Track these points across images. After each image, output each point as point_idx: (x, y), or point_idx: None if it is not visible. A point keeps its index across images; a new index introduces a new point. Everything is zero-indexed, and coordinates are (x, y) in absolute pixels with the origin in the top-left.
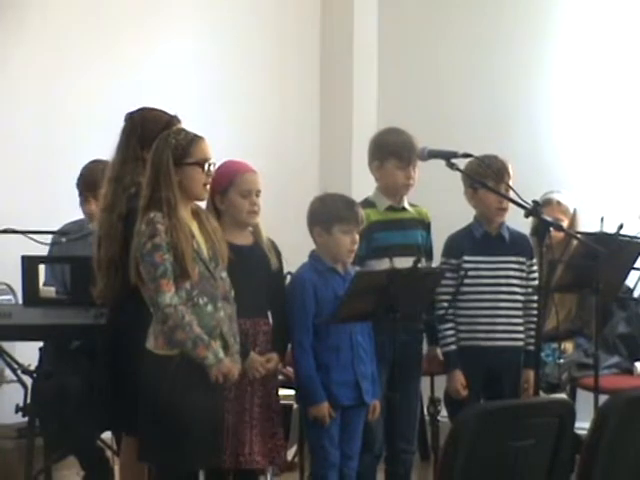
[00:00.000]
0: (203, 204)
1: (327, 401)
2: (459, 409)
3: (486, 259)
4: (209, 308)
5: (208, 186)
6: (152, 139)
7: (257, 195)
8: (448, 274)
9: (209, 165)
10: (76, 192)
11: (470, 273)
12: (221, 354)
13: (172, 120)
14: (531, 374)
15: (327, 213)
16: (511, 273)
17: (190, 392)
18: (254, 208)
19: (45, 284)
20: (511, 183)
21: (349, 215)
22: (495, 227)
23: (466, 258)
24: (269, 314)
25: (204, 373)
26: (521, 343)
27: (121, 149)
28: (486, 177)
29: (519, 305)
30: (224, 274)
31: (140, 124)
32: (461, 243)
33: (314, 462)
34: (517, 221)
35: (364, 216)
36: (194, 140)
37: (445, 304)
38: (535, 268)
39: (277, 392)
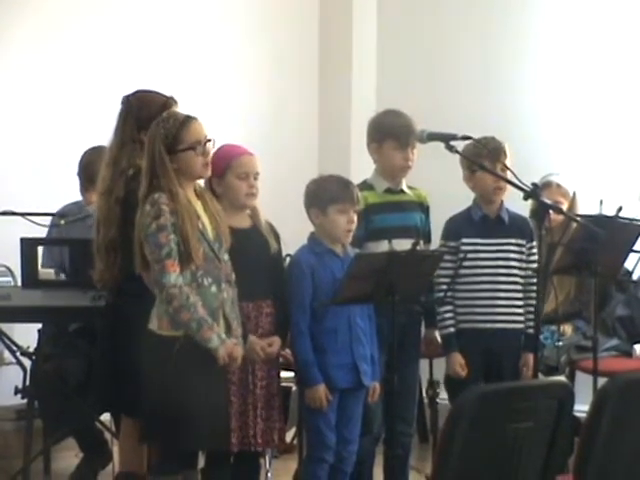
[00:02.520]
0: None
1: (324, 384)
2: (459, 392)
3: (485, 241)
4: (213, 289)
5: (209, 164)
6: (149, 121)
7: (255, 178)
8: (447, 256)
9: (205, 144)
10: (74, 174)
11: (469, 255)
12: (224, 335)
13: (168, 101)
14: (530, 357)
15: (322, 194)
16: (510, 255)
17: (192, 373)
18: (252, 190)
19: (43, 266)
20: (510, 165)
21: (344, 195)
22: (494, 209)
23: (465, 240)
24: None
25: (207, 355)
26: (521, 325)
27: (118, 132)
28: (482, 157)
29: (519, 287)
30: (226, 256)
31: (136, 106)
32: (460, 225)
33: (310, 445)
34: (516, 204)
35: (362, 198)
36: (184, 124)
37: (444, 287)
38: (535, 251)
39: (279, 375)
